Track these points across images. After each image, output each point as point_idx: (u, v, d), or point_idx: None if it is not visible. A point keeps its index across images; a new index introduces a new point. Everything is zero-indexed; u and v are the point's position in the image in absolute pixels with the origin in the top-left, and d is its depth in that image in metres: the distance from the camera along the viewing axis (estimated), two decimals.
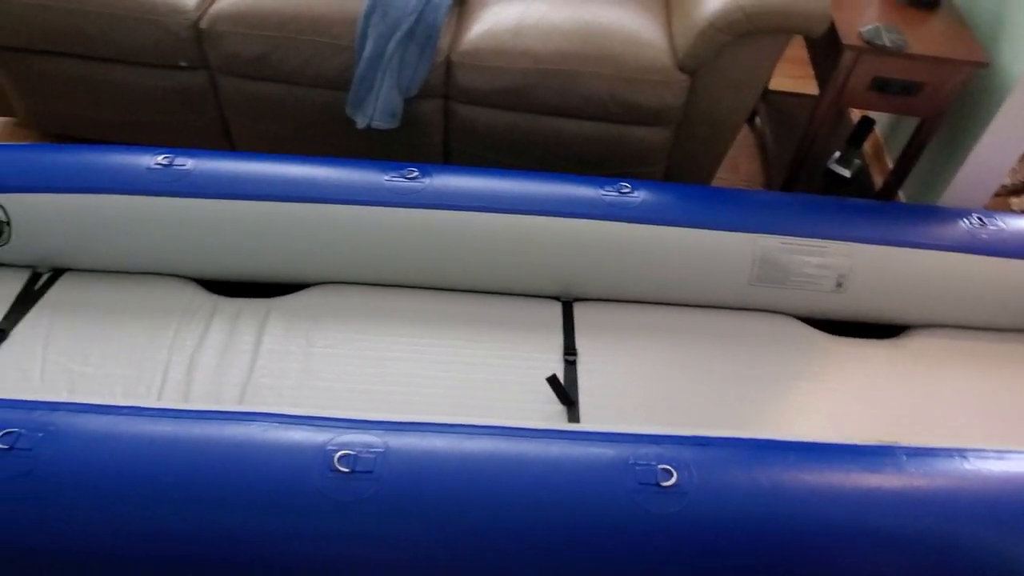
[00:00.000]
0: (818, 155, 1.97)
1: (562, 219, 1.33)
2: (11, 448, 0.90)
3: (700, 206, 1.37)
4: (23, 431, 0.91)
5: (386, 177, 1.35)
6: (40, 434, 0.91)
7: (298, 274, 1.37)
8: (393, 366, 1.25)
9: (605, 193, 1.36)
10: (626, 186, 1.38)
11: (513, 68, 1.57)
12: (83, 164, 1.33)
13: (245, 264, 1.35)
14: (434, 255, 1.34)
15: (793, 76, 2.41)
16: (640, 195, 1.37)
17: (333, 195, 1.32)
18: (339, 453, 0.90)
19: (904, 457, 0.94)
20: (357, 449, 0.91)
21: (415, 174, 1.36)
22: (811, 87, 2.33)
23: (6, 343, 1.25)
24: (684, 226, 1.34)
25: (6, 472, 0.89)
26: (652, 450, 0.93)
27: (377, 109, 1.56)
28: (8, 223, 1.31)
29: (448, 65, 1.60)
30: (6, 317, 1.29)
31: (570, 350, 1.29)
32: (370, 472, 0.89)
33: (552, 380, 1.19)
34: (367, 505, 0.87)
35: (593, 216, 1.33)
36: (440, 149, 1.76)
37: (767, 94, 2.21)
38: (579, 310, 1.37)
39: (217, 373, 1.22)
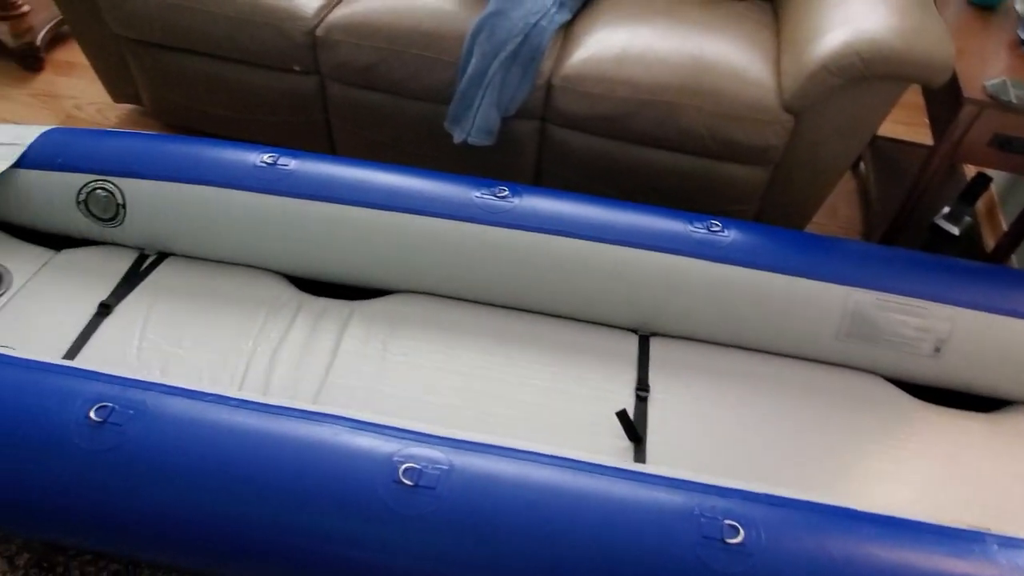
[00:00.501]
0: (925, 209, 1.87)
1: (648, 252, 1.31)
2: (104, 422, 0.95)
3: (793, 252, 1.33)
4: (116, 407, 0.97)
5: (476, 194, 1.37)
6: (131, 411, 0.96)
7: (382, 280, 1.40)
8: (464, 381, 1.26)
9: (694, 230, 1.34)
10: (716, 224, 1.35)
11: (612, 96, 1.56)
12: (195, 157, 1.40)
13: (333, 265, 1.40)
14: (516, 275, 1.34)
15: (904, 122, 2.31)
16: (731, 234, 1.33)
17: (424, 207, 1.34)
18: (405, 466, 0.91)
19: (995, 546, 0.88)
20: (422, 464, 0.92)
21: (505, 193, 1.37)
22: (923, 135, 2.22)
23: (110, 318, 1.33)
24: (774, 271, 1.29)
25: (96, 444, 0.94)
26: (720, 503, 0.90)
27: (475, 126, 1.58)
28: (124, 206, 1.40)
29: (548, 88, 1.61)
30: (113, 293, 1.37)
31: (643, 385, 1.27)
32: (433, 488, 0.89)
33: (622, 415, 1.17)
34: (426, 521, 0.88)
35: (680, 252, 1.31)
36: (532, 170, 1.77)
37: (874, 139, 2.12)
38: (656, 345, 1.35)
39: (297, 369, 1.26)
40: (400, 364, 1.28)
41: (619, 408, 1.20)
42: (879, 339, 1.29)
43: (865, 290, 1.28)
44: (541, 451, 0.96)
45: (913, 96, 2.02)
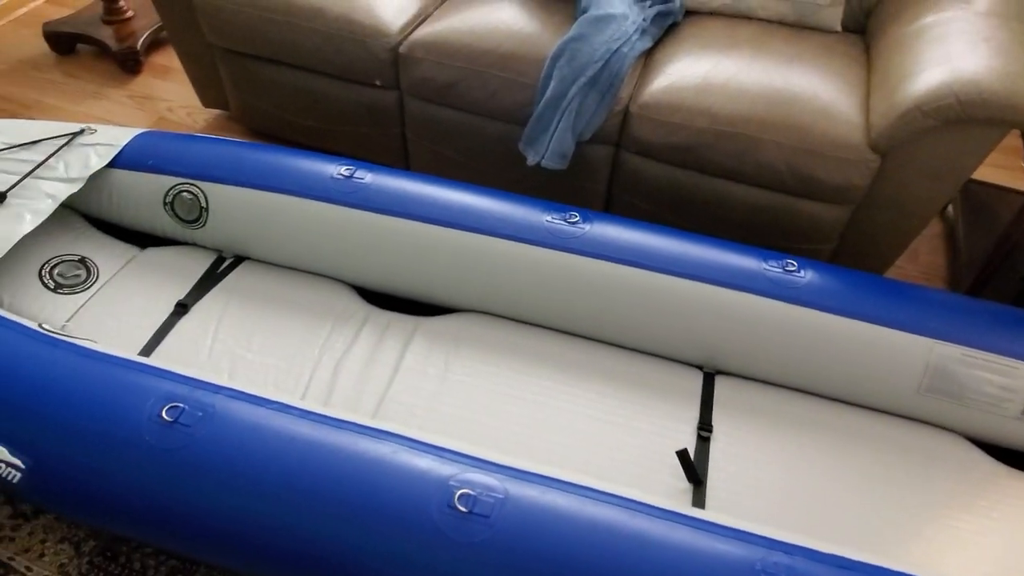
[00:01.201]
0: (1017, 259, 1.77)
1: (719, 288, 1.28)
2: (174, 422, 0.98)
3: (873, 298, 1.27)
4: (187, 407, 1.00)
5: (548, 218, 1.36)
6: (200, 414, 0.99)
7: (448, 298, 1.41)
8: (523, 406, 1.26)
9: (769, 268, 1.30)
10: (792, 264, 1.31)
11: (690, 126, 1.54)
12: (276, 165, 1.44)
13: (401, 280, 1.41)
14: (582, 303, 1.33)
15: (999, 165, 2.19)
16: (807, 275, 1.29)
17: (494, 228, 1.35)
18: (460, 491, 0.91)
19: None
20: (478, 490, 0.91)
21: (576, 219, 1.36)
22: (1019, 180, 2.11)
23: (186, 317, 1.38)
24: (852, 317, 1.24)
25: (165, 443, 0.97)
26: (783, 559, 0.86)
27: (549, 149, 1.58)
28: (207, 209, 1.45)
29: (625, 115, 1.59)
30: (190, 293, 1.42)
31: (706, 425, 1.23)
32: (487, 517, 0.89)
33: (682, 455, 1.14)
34: (478, 550, 0.87)
35: (752, 290, 1.27)
36: (602, 195, 1.76)
37: (966, 182, 2.02)
38: (721, 384, 1.31)
39: (359, 381, 1.28)
40: (460, 384, 1.28)
41: (680, 447, 1.17)
42: (962, 397, 1.22)
43: (949, 344, 1.22)
44: (598, 487, 0.94)
45: (1011, 139, 1.92)
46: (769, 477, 1.18)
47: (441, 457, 0.96)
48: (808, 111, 1.50)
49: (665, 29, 1.73)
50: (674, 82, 1.57)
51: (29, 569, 1.22)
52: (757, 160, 1.52)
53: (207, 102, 2.14)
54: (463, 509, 0.89)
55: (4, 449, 1.02)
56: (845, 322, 1.24)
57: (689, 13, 1.80)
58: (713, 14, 1.79)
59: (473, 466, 0.95)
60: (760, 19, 1.76)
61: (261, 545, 0.95)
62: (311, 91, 1.86)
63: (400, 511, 0.91)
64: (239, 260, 1.50)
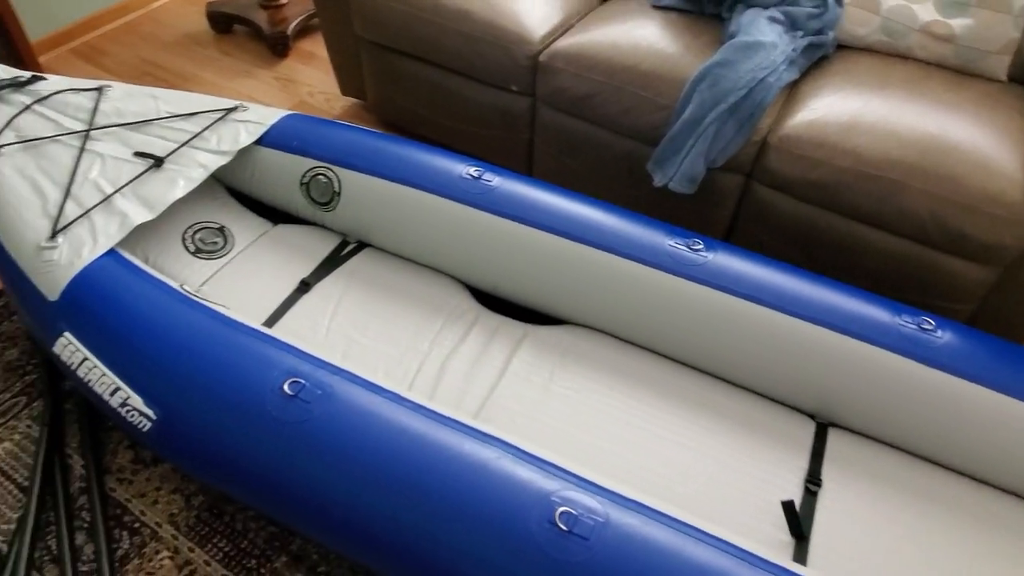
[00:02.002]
0: None
1: (843, 336, 1.22)
2: (295, 396, 1.02)
3: (1016, 369, 1.18)
4: (307, 384, 1.04)
5: (670, 242, 1.34)
6: (319, 392, 1.03)
7: (560, 309, 1.41)
8: (624, 429, 1.24)
9: (903, 323, 1.22)
10: (929, 322, 1.23)
11: (831, 163, 1.47)
12: (408, 159, 1.48)
13: (516, 285, 1.42)
14: (696, 332, 1.30)
15: None
16: (945, 336, 1.21)
17: (614, 245, 1.33)
18: (561, 508, 0.90)
19: None
20: (579, 510, 0.90)
21: (699, 246, 1.33)
22: None
23: (308, 294, 1.44)
24: (991, 387, 1.15)
25: (284, 415, 1.01)
26: None
27: (679, 172, 1.56)
28: (339, 193, 1.51)
29: (762, 145, 1.54)
30: (314, 272, 1.48)
31: (814, 478, 1.18)
32: (586, 539, 0.88)
33: (787, 506, 1.09)
34: (574, 570, 0.86)
35: (882, 344, 1.20)
36: (725, 225, 1.71)
37: None
38: (835, 437, 1.25)
39: (464, 380, 1.30)
40: (563, 397, 1.28)
41: (785, 496, 1.12)
42: None
43: None
44: (701, 527, 0.91)
45: None
46: (877, 545, 1.11)
47: (544, 470, 0.96)
48: (963, 161, 1.40)
49: (814, 62, 1.67)
50: (819, 117, 1.51)
51: (143, 513, 1.30)
52: (900, 207, 1.44)
53: (346, 90, 2.23)
54: (563, 527, 0.89)
55: (139, 399, 1.09)
56: (983, 392, 1.16)
57: (841, 47, 1.72)
58: (867, 50, 1.71)
59: (576, 485, 0.94)
60: (918, 59, 1.66)
61: (358, 528, 0.98)
62: (447, 89, 1.91)
63: (499, 518, 0.91)
64: (361, 246, 1.56)
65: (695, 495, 1.15)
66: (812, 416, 1.29)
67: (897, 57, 1.68)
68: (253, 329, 1.13)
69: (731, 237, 1.74)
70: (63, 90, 1.54)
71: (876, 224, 1.50)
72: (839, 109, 1.51)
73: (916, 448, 1.22)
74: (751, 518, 1.12)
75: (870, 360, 1.20)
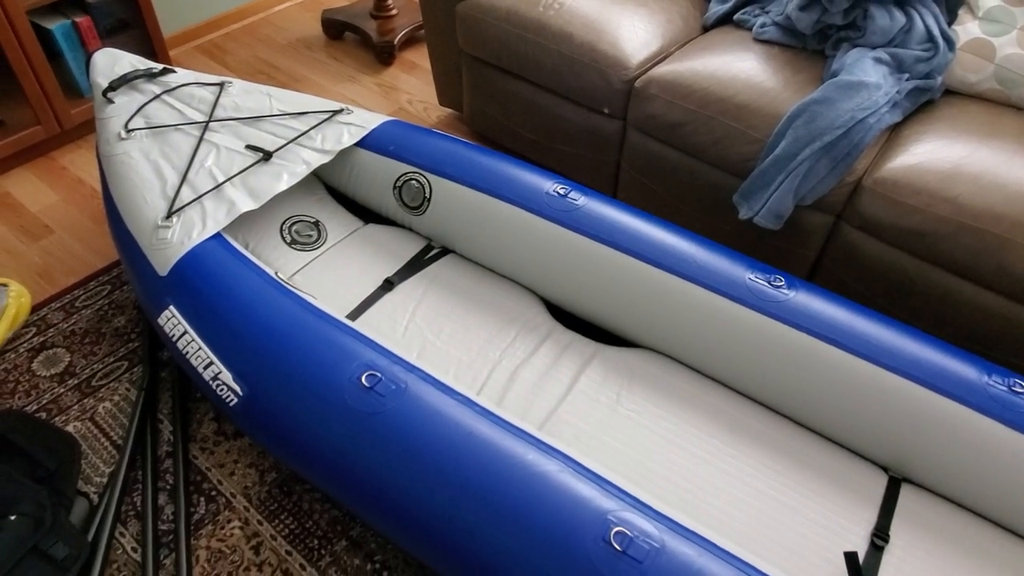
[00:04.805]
0: None
1: (927, 390, 1.18)
2: (371, 388, 1.07)
3: None
4: (383, 378, 1.08)
5: (750, 276, 1.33)
6: (394, 387, 1.07)
7: (632, 332, 1.42)
8: (687, 459, 1.23)
9: (992, 383, 1.17)
10: (1021, 385, 1.18)
11: (928, 211, 1.43)
12: (497, 171, 1.53)
13: (591, 303, 1.44)
14: (770, 370, 1.28)
15: None
16: None
17: (694, 275, 1.33)
18: (616, 529, 0.91)
19: None
20: (635, 532, 0.91)
21: (781, 283, 1.32)
22: None
23: (391, 293, 1.50)
24: None
25: (361, 406, 1.06)
26: None
27: (766, 207, 1.54)
28: (429, 199, 1.57)
29: (856, 187, 1.51)
30: (397, 273, 1.54)
31: (882, 533, 1.14)
32: (640, 562, 0.88)
33: (851, 558, 1.07)
34: None
35: (968, 403, 1.16)
36: (808, 264, 1.68)
37: None
38: (908, 494, 1.21)
39: (532, 391, 1.32)
40: (628, 419, 1.29)
41: (848, 548, 1.09)
42: None
43: None
44: (758, 566, 0.90)
45: None
46: None
47: (603, 488, 0.97)
48: None
49: (919, 105, 1.62)
50: (920, 162, 1.46)
51: (220, 483, 1.38)
52: (1000, 263, 1.38)
53: (443, 101, 2.31)
54: (617, 547, 0.90)
55: (229, 374, 1.17)
56: None
57: (949, 93, 1.67)
58: (977, 98, 1.65)
59: (634, 507, 0.95)
60: None
61: (417, 521, 1.02)
62: (540, 107, 1.95)
63: (554, 530, 0.93)
64: (445, 251, 1.61)
65: (754, 533, 1.14)
66: (885, 468, 1.25)
67: (1009, 107, 1.61)
68: (338, 321, 1.19)
69: (814, 277, 1.70)
70: (189, 83, 1.67)
71: (972, 278, 1.45)
72: (942, 156, 1.47)
73: (991, 514, 1.17)
74: (811, 564, 1.10)
75: (953, 418, 1.16)
